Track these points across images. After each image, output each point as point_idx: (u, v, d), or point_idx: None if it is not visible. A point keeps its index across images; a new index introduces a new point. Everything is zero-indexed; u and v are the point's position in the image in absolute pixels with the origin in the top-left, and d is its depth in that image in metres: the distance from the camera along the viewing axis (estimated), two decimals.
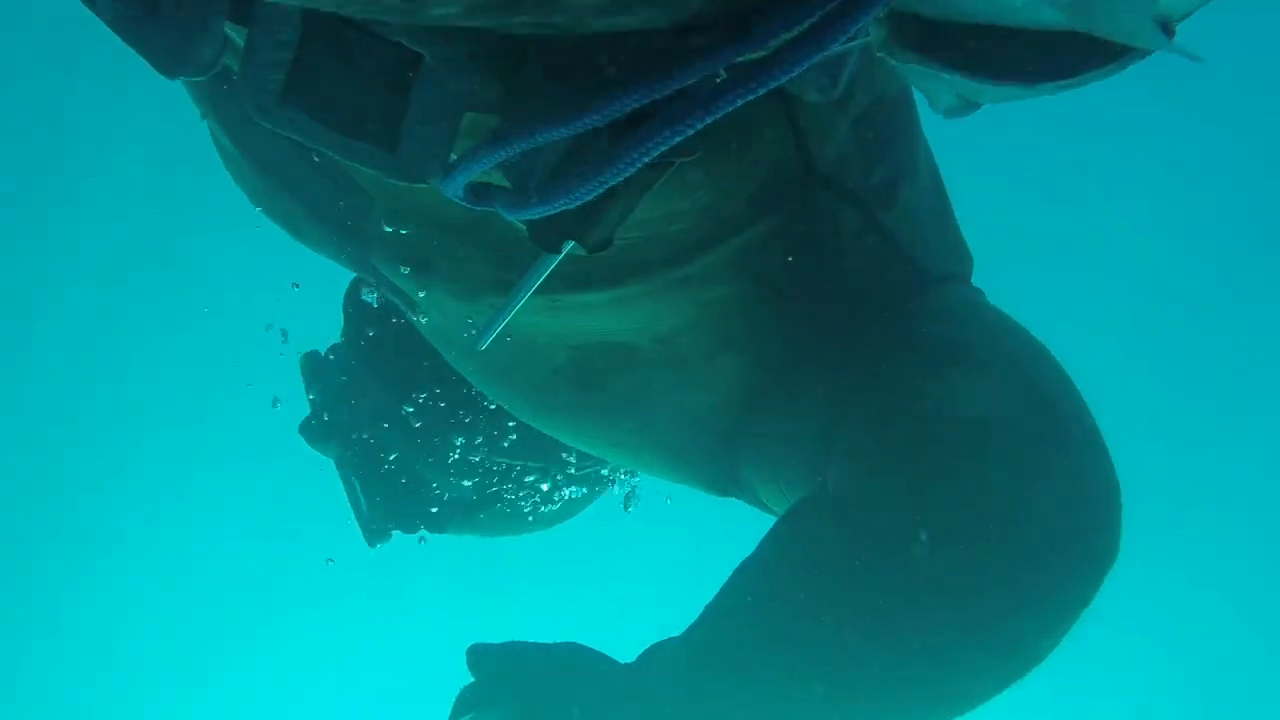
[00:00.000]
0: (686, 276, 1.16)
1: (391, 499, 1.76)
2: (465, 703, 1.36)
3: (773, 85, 0.65)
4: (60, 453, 7.73)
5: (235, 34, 0.80)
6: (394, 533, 1.80)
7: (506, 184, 0.78)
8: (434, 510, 1.78)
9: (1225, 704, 7.72)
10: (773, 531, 1.27)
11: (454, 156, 0.77)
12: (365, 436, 1.72)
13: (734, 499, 1.47)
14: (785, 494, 1.33)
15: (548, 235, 0.82)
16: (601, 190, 0.71)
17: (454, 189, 0.79)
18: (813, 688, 1.19)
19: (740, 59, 0.65)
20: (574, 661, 1.37)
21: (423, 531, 1.84)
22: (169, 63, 0.78)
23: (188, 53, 0.77)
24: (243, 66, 0.75)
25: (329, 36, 0.73)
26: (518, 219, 0.79)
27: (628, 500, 1.93)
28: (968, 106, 0.79)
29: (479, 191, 0.79)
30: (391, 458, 1.73)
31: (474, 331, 1.27)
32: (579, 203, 0.72)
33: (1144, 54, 0.69)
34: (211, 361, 7.07)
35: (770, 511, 1.42)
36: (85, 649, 8.22)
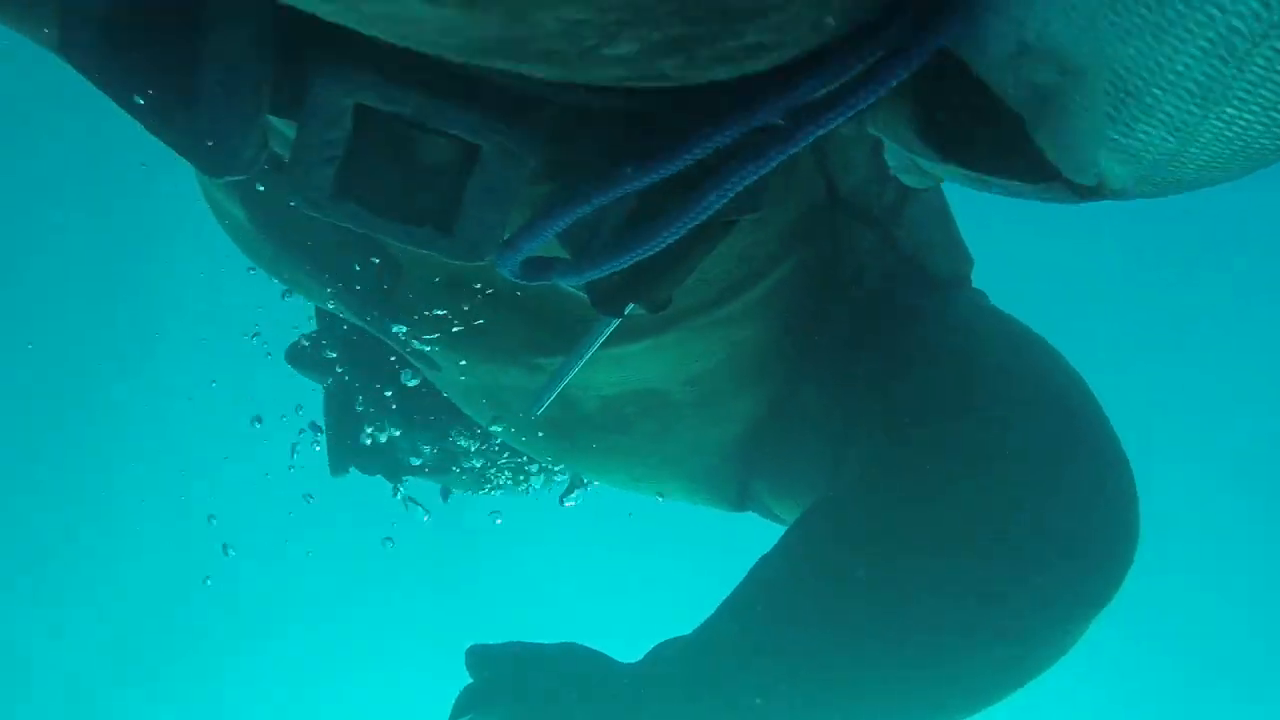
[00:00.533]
0: (721, 318, 1.17)
1: (355, 442, 1.75)
2: (465, 703, 1.36)
3: (826, 130, 0.66)
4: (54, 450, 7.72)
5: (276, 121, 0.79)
6: (352, 469, 1.79)
7: (563, 255, 0.78)
8: (393, 461, 1.77)
9: (1232, 705, 7.72)
10: (784, 538, 1.27)
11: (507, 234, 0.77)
12: (342, 375, 1.71)
13: (751, 513, 1.47)
14: (800, 504, 1.33)
15: (611, 299, 0.82)
16: (681, 234, 0.70)
17: (511, 265, 0.78)
18: (816, 690, 1.18)
19: (802, 102, 0.66)
20: (574, 661, 1.37)
21: (402, 488, 1.84)
22: (212, 165, 0.76)
23: (231, 155, 0.75)
24: (292, 164, 0.74)
25: (381, 132, 0.73)
26: (580, 283, 0.79)
27: (563, 496, 1.91)
28: (921, 174, 0.81)
29: (535, 266, 0.79)
30: (358, 409, 1.72)
31: (500, 383, 1.27)
32: (656, 250, 0.72)
33: (1068, 192, 0.71)
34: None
35: (782, 523, 1.42)
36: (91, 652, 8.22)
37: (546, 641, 1.40)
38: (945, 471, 1.16)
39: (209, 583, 7.55)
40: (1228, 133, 0.60)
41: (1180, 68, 0.58)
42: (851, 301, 1.28)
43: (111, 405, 7.27)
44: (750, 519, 1.50)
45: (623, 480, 1.54)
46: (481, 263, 0.78)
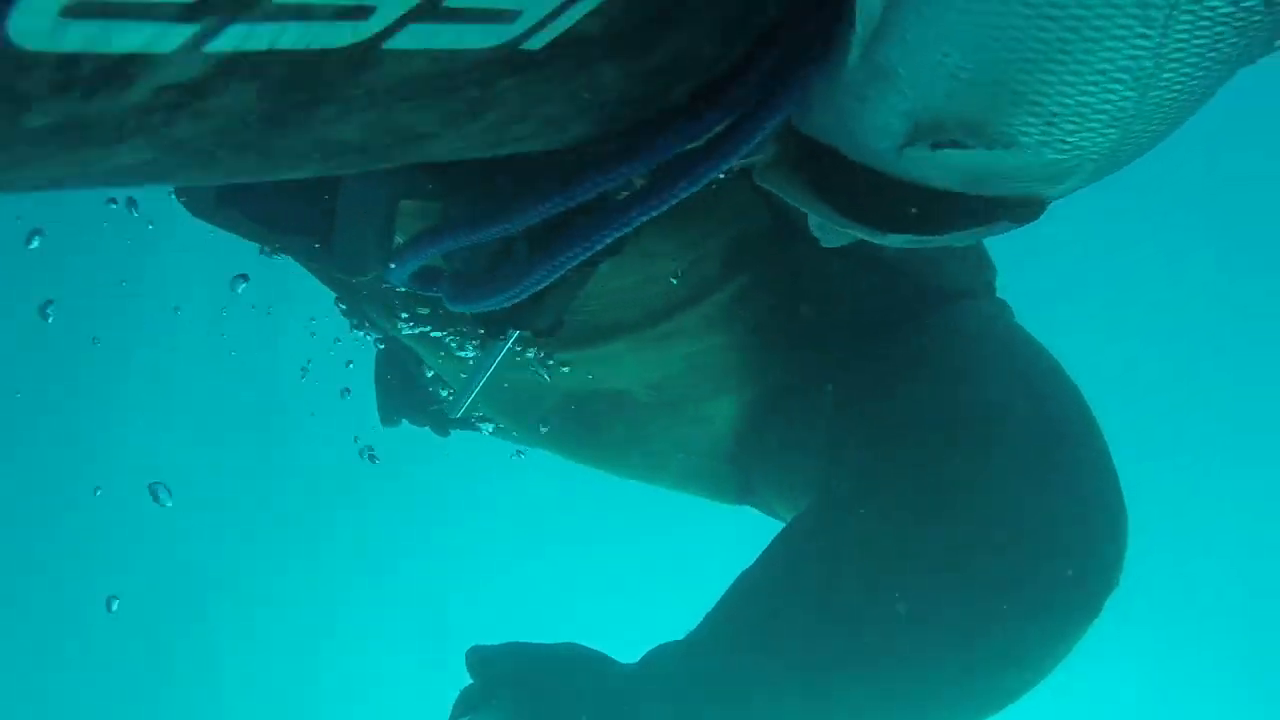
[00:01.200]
0: (665, 333, 1.17)
1: (404, 391, 1.74)
2: (464, 704, 1.36)
3: (676, 199, 0.66)
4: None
5: None
6: (403, 422, 1.77)
7: (449, 270, 0.80)
8: (441, 410, 1.76)
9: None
10: (767, 550, 1.27)
11: (400, 239, 0.78)
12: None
13: (751, 508, 1.47)
14: (798, 505, 1.32)
15: (491, 322, 0.85)
16: (522, 296, 0.73)
17: (398, 278, 0.80)
18: (809, 698, 1.18)
19: (640, 173, 0.66)
20: (574, 662, 1.37)
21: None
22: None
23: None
24: None
25: None
26: (458, 310, 0.80)
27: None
28: (836, 234, 0.79)
29: (426, 276, 0.81)
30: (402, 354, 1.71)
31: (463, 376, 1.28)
32: (503, 305, 0.74)
33: (1013, 223, 0.71)
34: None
35: (782, 520, 1.42)
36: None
37: (546, 641, 1.40)
38: (929, 486, 1.16)
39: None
40: (1168, 97, 0.59)
41: (1103, 65, 0.57)
42: (834, 318, 1.26)
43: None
44: (756, 520, 1.49)
45: (621, 472, 1.54)
46: (365, 276, 0.80)
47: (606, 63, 0.55)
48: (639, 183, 0.68)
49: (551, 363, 1.21)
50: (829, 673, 1.17)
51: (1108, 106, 0.59)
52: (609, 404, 1.29)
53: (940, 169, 0.65)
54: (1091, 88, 0.58)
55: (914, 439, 1.19)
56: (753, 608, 1.24)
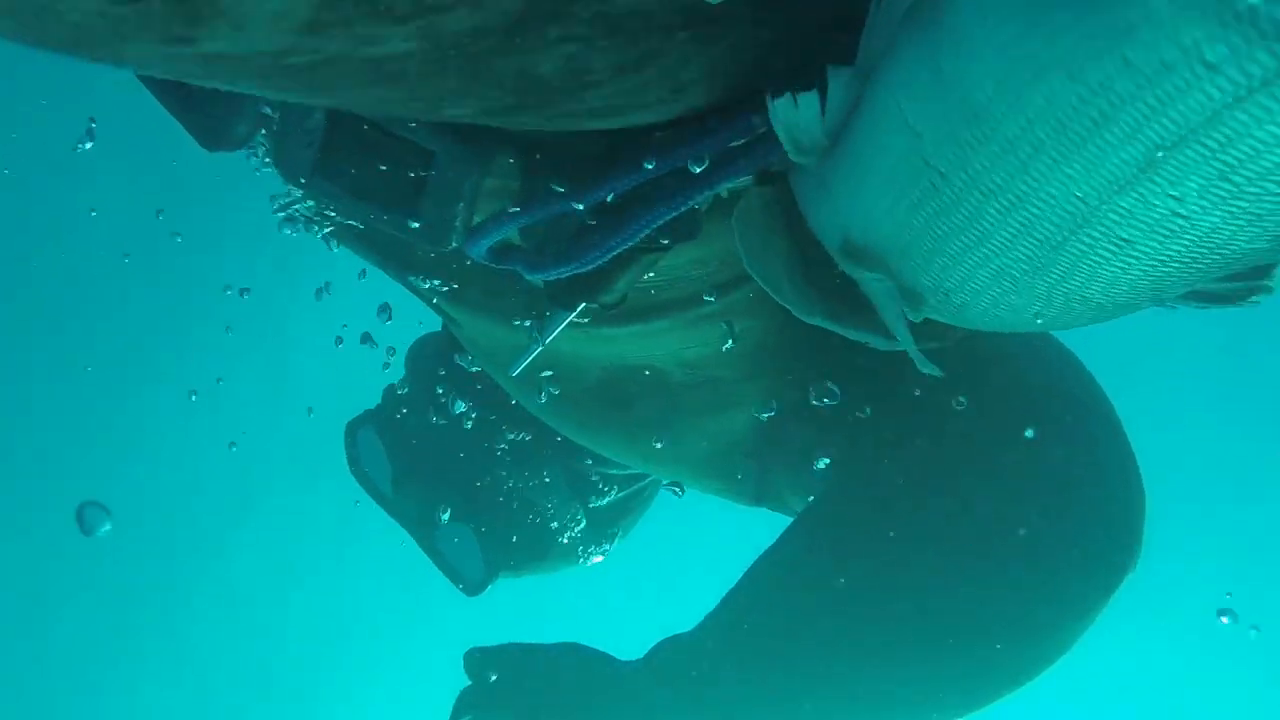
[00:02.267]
0: (713, 312, 1.18)
1: (508, 530, 1.72)
2: (464, 705, 1.36)
3: (721, 187, 0.78)
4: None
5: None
6: (500, 576, 1.73)
7: (525, 246, 0.89)
8: (553, 529, 1.73)
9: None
10: (782, 536, 1.27)
11: (479, 218, 0.87)
12: (461, 459, 1.67)
13: (766, 508, 1.47)
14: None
15: (564, 295, 0.94)
16: (607, 258, 0.83)
17: (477, 251, 0.89)
18: (816, 687, 1.18)
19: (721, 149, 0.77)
20: (574, 661, 1.37)
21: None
22: (206, 140, 0.88)
23: (223, 131, 0.88)
24: (277, 142, 0.86)
25: (350, 128, 0.85)
26: (536, 279, 0.90)
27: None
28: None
29: (501, 252, 0.90)
30: (505, 482, 1.69)
31: (507, 344, 1.29)
32: (588, 268, 0.84)
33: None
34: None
35: None
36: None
37: (547, 641, 1.40)
38: (941, 473, 1.17)
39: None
40: (1037, 321, 0.69)
41: (979, 283, 0.67)
42: None
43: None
44: (757, 515, 1.48)
45: (639, 461, 1.54)
46: (446, 249, 0.88)
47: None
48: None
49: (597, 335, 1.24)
50: (843, 652, 1.17)
51: (987, 307, 0.69)
52: (643, 382, 1.31)
53: (867, 288, 0.76)
54: (971, 292, 0.68)
55: (925, 431, 1.20)
56: (761, 604, 1.24)
